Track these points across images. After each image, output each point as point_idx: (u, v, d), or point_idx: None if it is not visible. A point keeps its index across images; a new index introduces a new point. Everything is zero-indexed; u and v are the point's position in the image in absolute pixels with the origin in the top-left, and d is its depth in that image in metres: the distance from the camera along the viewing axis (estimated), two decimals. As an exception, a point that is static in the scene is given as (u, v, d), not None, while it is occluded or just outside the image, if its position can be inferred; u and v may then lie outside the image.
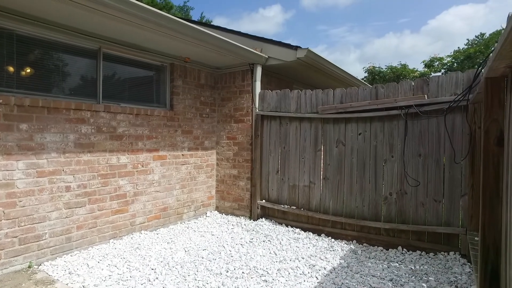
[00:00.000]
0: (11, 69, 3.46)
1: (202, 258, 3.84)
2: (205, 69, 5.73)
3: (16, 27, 3.42)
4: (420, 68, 19.98)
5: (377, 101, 4.32)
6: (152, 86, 5.06)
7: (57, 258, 3.67)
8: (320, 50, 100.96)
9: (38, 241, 3.54)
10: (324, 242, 4.52)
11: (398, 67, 18.49)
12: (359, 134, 4.51)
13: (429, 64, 19.14)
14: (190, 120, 5.46)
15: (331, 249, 4.25)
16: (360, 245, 4.40)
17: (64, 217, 3.77)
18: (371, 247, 4.32)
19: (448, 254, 3.86)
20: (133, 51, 4.56)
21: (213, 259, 3.81)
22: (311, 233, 4.84)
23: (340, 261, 3.83)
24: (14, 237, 3.36)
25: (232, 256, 3.91)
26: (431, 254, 3.93)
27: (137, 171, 4.63)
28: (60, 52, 3.88)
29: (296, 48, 5.07)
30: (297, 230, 4.94)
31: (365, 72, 20.08)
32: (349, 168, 4.59)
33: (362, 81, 9.17)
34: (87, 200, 4.01)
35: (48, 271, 3.36)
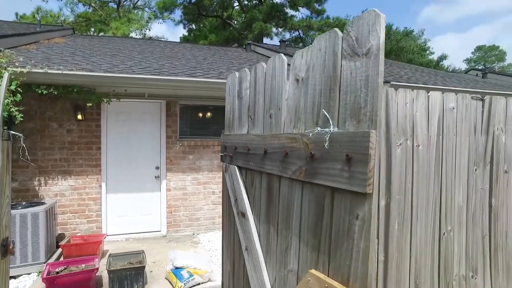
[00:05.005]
0: (186, 125, 6.38)
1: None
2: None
3: (188, 103, 6.33)
4: None
5: None
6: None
7: (206, 233, 6.26)
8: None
9: (197, 221, 6.24)
10: None
11: None
12: None
13: None
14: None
15: None
16: None
17: (211, 210, 6.36)
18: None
19: None
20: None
21: None
22: None
23: None
24: (186, 217, 6.16)
25: None
26: None
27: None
28: (206, 110, 6.59)
29: None
30: None
31: None
32: None
33: None
34: (225, 200, 6.47)
35: (200, 238, 5.94)
